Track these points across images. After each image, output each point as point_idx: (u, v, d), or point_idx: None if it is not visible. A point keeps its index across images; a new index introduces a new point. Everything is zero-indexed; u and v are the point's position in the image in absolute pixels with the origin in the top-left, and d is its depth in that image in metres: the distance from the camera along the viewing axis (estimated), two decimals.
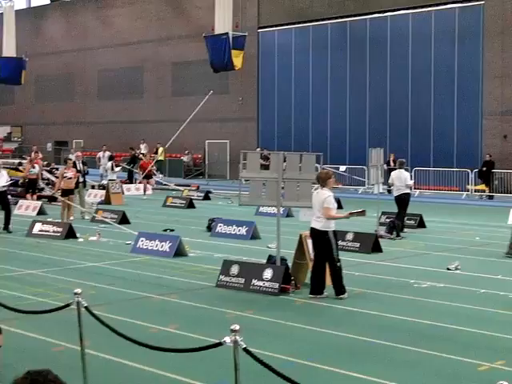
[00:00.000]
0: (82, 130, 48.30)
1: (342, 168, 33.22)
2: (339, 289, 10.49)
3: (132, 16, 45.39)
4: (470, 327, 8.90)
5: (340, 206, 19.75)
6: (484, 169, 29.59)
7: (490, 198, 29.27)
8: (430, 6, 34.48)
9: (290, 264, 11.33)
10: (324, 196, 10.46)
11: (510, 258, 14.23)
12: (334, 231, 10.55)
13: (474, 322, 9.20)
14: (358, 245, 14.89)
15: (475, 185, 29.80)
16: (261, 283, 10.92)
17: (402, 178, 17.76)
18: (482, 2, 32.72)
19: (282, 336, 8.54)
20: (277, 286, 10.74)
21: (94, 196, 26.92)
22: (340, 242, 14.52)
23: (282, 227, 11.49)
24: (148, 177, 30.24)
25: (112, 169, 29.53)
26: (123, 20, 45.84)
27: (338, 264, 10.44)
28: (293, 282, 10.95)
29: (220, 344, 5.38)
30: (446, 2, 33.79)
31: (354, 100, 36.48)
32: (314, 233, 10.57)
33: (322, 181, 10.66)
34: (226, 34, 31.37)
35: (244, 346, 5.20)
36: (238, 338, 5.20)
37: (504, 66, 32.51)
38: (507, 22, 32.35)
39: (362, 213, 11.10)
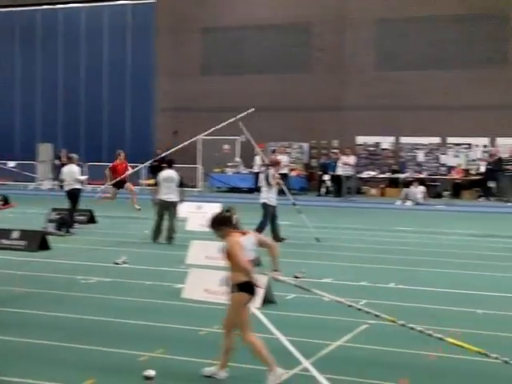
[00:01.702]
0: None
1: (11, 164, 31.86)
2: None
3: None
4: (134, 319, 8.96)
5: (7, 203, 18.95)
6: (156, 163, 30.30)
7: None
8: (102, 0, 34.52)
9: None
10: None
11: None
12: None
13: (138, 313, 9.30)
14: (24, 243, 14.32)
15: (148, 179, 30.45)
16: None
17: (72, 173, 17.58)
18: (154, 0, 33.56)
19: None
20: None
21: None
22: (5, 241, 13.91)
23: None
24: None
25: None
26: None
27: None
28: None
29: None
30: None
31: (24, 92, 35.25)
32: None
33: None
34: None
35: None
36: None
37: (175, 64, 33.66)
38: (178, 20, 33.51)
39: None
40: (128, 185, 22.08)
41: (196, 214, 17.96)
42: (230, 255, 6.58)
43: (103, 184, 22.38)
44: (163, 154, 22.02)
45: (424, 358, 7.41)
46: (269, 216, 15.81)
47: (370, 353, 7.71)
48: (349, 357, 7.58)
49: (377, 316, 6.78)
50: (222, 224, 6.70)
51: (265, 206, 15.86)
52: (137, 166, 22.43)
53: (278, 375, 6.55)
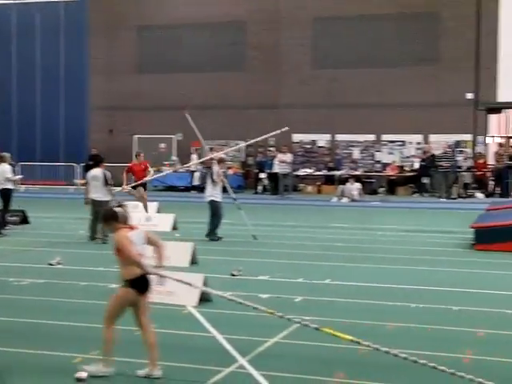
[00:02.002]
0: None
1: None
2: None
3: None
4: (68, 321, 8.82)
5: None
6: (91, 163, 29.90)
7: None
8: None
9: None
10: None
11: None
12: None
13: (72, 314, 9.15)
14: None
15: (82, 179, 30.03)
16: None
17: (3, 172, 17.23)
18: None
19: None
20: None
21: None
22: None
23: None
24: None
25: None
26: None
27: None
28: None
29: None
30: None
31: None
32: None
33: None
34: None
35: None
36: None
37: (110, 62, 33.31)
38: (112, 18, 33.18)
39: None
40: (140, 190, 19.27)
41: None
42: (119, 250, 6.63)
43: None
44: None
45: (358, 351, 7.49)
46: (218, 212, 15.86)
47: (306, 348, 7.76)
48: (285, 353, 7.62)
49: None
50: (111, 219, 6.79)
51: (212, 203, 15.90)
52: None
53: (99, 369, 6.71)
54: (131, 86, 32.99)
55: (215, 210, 15.90)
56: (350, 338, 6.12)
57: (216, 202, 15.91)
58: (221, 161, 16.56)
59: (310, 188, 30.95)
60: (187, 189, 30.69)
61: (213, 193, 15.98)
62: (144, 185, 19.32)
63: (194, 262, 12.67)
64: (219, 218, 16.05)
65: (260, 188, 30.59)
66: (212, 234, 16.01)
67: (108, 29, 33.20)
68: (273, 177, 29.50)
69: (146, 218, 17.88)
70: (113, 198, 15.81)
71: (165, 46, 32.84)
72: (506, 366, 7.20)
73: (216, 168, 16.03)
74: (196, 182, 30.52)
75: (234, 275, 11.68)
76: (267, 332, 8.24)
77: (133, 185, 19.07)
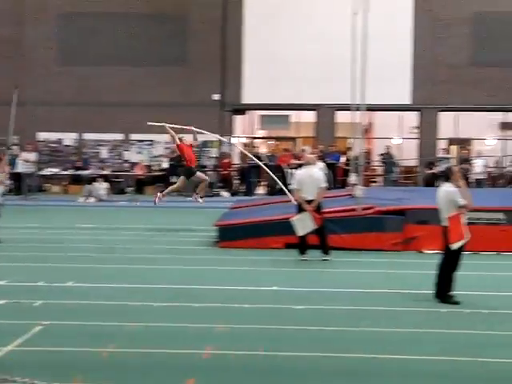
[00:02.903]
0: None
1: None
2: None
3: None
4: None
5: None
6: None
7: None
8: None
9: None
10: None
11: None
12: None
13: None
14: None
15: None
16: None
17: None
18: None
19: None
20: None
21: None
22: None
23: None
24: None
25: None
26: None
27: None
28: None
29: None
30: None
31: None
32: None
33: None
34: None
35: None
36: None
37: None
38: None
39: None
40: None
41: None
42: None
43: None
44: None
45: (100, 354, 7.32)
46: None
47: (45, 355, 7.43)
48: (21, 361, 7.23)
49: None
50: None
51: None
52: None
53: None
54: None
55: None
56: None
57: None
58: None
59: (56, 188, 30.04)
60: None
61: None
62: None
63: None
64: None
65: None
66: None
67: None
68: (16, 176, 28.19)
69: None
70: None
71: None
72: (256, 358, 7.41)
73: None
74: None
75: None
76: (1, 340, 7.78)
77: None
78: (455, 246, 9.90)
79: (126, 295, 10.38)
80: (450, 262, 10.00)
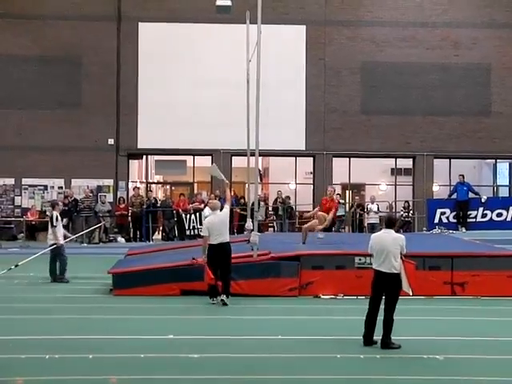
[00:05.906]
0: None
1: None
2: None
3: None
4: None
5: None
6: None
7: None
8: None
9: None
10: None
11: None
12: None
13: None
14: None
15: None
16: None
17: None
18: None
19: None
20: None
21: None
22: None
23: None
24: None
25: None
26: None
27: None
28: None
29: None
30: None
31: None
32: None
33: None
34: None
35: None
36: None
37: None
38: None
39: None
40: None
41: None
42: None
43: None
44: None
45: None
46: None
47: None
48: None
49: None
50: None
51: None
52: None
53: None
54: None
55: None
56: None
57: None
58: None
59: None
60: None
61: None
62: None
63: None
64: None
65: None
66: None
67: None
68: None
69: None
70: None
71: None
72: None
73: None
74: None
75: None
76: None
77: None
78: (411, 291, 10.08)
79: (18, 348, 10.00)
80: (394, 306, 10.08)
